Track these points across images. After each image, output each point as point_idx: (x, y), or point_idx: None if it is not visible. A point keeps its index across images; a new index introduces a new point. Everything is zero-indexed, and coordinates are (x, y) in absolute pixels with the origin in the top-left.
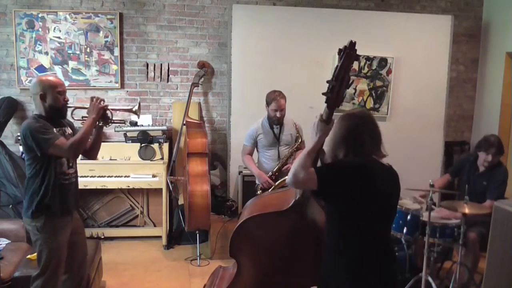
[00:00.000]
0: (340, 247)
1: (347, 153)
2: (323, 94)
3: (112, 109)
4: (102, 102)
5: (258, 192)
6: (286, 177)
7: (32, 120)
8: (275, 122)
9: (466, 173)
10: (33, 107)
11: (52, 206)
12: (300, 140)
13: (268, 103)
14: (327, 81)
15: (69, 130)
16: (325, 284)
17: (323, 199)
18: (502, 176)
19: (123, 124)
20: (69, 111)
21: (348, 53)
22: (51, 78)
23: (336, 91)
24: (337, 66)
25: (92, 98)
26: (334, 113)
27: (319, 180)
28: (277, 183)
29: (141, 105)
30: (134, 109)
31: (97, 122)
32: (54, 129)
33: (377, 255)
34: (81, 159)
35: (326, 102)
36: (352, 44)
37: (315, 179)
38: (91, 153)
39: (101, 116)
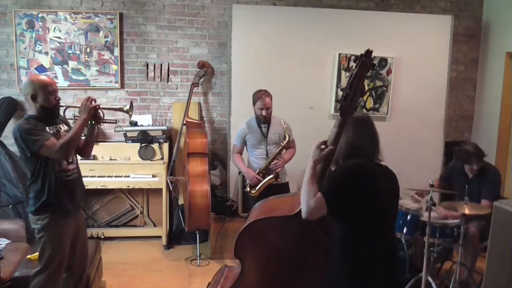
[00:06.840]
0: (343, 249)
1: (347, 156)
2: (336, 101)
3: (104, 108)
4: (93, 101)
5: (247, 189)
6: (272, 175)
7: (23, 121)
8: (262, 120)
9: (457, 181)
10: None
11: (58, 205)
12: (287, 139)
13: (254, 102)
14: (341, 89)
15: (64, 127)
16: None
17: (335, 217)
18: (494, 177)
19: (115, 124)
20: (61, 110)
21: (364, 61)
22: (42, 77)
23: (350, 99)
24: (351, 74)
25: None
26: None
27: (327, 205)
28: (264, 180)
29: (133, 104)
30: (125, 108)
31: (89, 122)
32: (48, 127)
33: (380, 255)
34: (81, 159)
35: (339, 109)
36: (368, 53)
37: (324, 205)
38: (84, 152)
39: (93, 115)
